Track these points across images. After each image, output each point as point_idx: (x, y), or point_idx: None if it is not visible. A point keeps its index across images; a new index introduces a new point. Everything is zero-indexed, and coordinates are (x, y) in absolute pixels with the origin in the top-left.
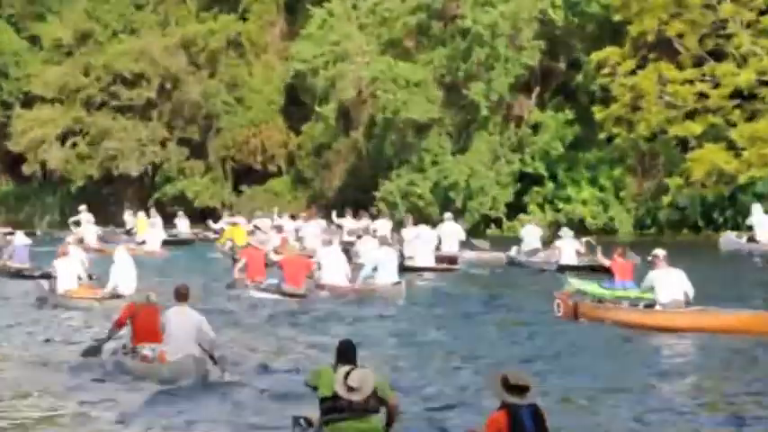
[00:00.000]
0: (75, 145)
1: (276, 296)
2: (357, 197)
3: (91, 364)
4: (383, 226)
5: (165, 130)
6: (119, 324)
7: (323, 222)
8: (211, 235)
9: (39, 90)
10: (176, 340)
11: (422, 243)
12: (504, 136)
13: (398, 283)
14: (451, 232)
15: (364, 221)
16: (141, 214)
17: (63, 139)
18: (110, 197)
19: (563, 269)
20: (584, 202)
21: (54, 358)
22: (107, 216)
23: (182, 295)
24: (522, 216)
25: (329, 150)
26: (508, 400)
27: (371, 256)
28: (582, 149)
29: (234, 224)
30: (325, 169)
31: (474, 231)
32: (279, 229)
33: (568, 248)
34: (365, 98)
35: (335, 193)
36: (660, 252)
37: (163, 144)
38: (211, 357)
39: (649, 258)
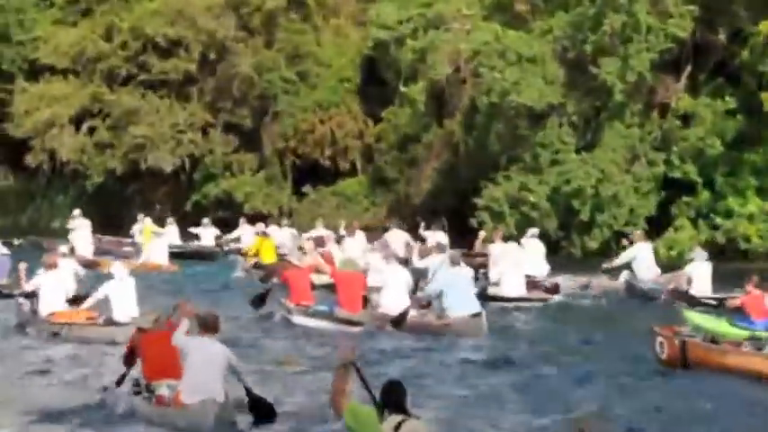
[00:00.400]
0: (92, 130)
1: (326, 324)
2: (452, 204)
3: (94, 406)
4: (396, 237)
5: (208, 113)
6: (128, 361)
7: (403, 236)
8: (240, 246)
9: (48, 58)
10: (196, 378)
11: (512, 265)
12: (645, 129)
13: (478, 314)
14: (536, 252)
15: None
16: (148, 221)
17: (78, 122)
18: (135, 197)
19: (693, 301)
20: (749, 218)
21: (39, 400)
22: (131, 221)
23: (209, 326)
24: (670, 234)
25: (417, 144)
26: None
27: (440, 276)
28: (747, 149)
29: (263, 234)
30: (412, 168)
31: (604, 252)
32: (318, 241)
33: (702, 275)
34: (464, 77)
35: (425, 198)
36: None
37: (204, 131)
38: (248, 392)
39: None
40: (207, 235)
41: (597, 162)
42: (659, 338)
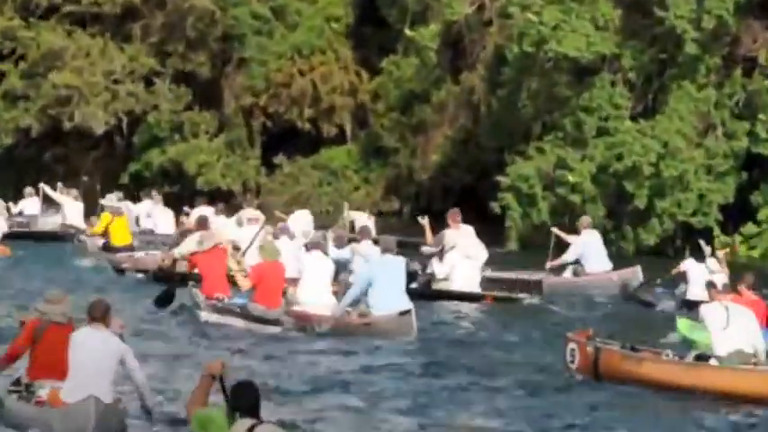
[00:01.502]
0: (1, 77)
1: (238, 322)
2: (467, 182)
3: None
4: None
5: (154, 57)
6: (11, 355)
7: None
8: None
9: None
10: (78, 374)
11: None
12: (724, 91)
13: (407, 312)
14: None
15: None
16: None
17: None
18: (56, 165)
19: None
20: None
21: None
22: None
23: (97, 314)
24: (751, 228)
25: (425, 104)
26: None
27: (363, 267)
28: None
29: (114, 211)
30: (418, 135)
31: (662, 250)
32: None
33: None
34: (488, 18)
35: (433, 174)
36: (719, 278)
37: (148, 81)
38: (143, 407)
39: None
40: (31, 205)
41: (659, 133)
42: (571, 345)
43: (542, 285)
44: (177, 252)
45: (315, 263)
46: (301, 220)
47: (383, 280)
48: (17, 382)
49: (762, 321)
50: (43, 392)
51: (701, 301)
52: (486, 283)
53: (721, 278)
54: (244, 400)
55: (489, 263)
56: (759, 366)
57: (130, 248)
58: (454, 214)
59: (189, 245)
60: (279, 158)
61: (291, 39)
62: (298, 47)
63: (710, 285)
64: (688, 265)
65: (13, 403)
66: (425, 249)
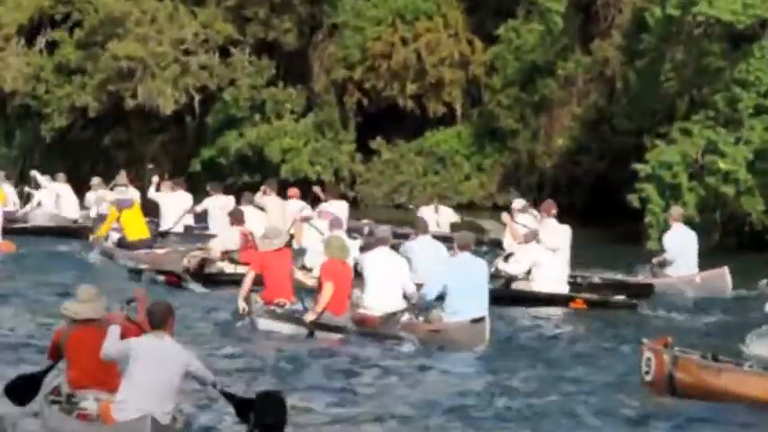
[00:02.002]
0: (52, 47)
1: (298, 329)
2: (599, 171)
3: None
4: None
5: (231, 24)
6: (51, 356)
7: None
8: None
9: None
10: (134, 388)
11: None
12: None
13: (480, 320)
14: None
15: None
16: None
17: (31, 34)
18: (116, 151)
19: None
20: None
21: None
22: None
23: (158, 319)
24: None
25: (550, 78)
26: None
27: (436, 270)
28: None
29: (118, 205)
30: (541, 114)
31: None
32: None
33: None
34: None
35: (558, 161)
36: None
37: (224, 52)
38: (224, 394)
39: None
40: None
41: None
42: (647, 354)
43: (652, 289)
44: (213, 250)
45: (383, 260)
46: (338, 210)
47: (457, 282)
48: (57, 391)
49: None
50: (87, 404)
51: None
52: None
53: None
54: (269, 417)
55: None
56: None
57: (149, 245)
58: (549, 206)
59: (227, 242)
60: (377, 143)
61: (392, 1)
62: (399, 11)
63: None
64: None
65: (55, 415)
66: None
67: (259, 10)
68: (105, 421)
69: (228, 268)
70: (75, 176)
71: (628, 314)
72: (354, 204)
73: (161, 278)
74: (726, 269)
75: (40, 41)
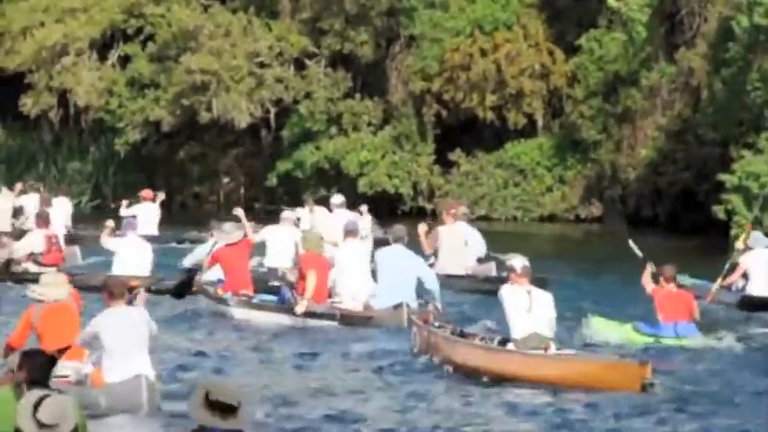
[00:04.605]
0: (125, 61)
1: (287, 318)
2: (685, 182)
3: None
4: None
5: (306, 36)
6: (9, 345)
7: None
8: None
9: None
10: (116, 353)
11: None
12: None
13: (399, 306)
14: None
15: None
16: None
17: (103, 47)
18: (191, 165)
19: (750, 304)
20: None
21: None
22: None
23: (117, 292)
24: None
25: (633, 88)
26: (205, 423)
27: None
28: None
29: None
30: (624, 125)
31: None
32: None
33: (761, 269)
34: None
35: (642, 172)
36: (520, 262)
37: (300, 64)
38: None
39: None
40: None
41: None
42: (413, 329)
43: None
44: (17, 251)
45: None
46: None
47: (387, 272)
48: None
49: (687, 314)
50: (66, 372)
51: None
52: None
53: (520, 262)
54: (31, 368)
55: None
56: (549, 352)
57: None
58: (450, 206)
59: (31, 244)
60: (456, 155)
61: (471, 12)
62: (478, 21)
63: (511, 269)
64: None
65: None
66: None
67: (335, 22)
68: (96, 385)
69: (33, 268)
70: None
71: None
72: (433, 217)
73: None
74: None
75: (113, 55)
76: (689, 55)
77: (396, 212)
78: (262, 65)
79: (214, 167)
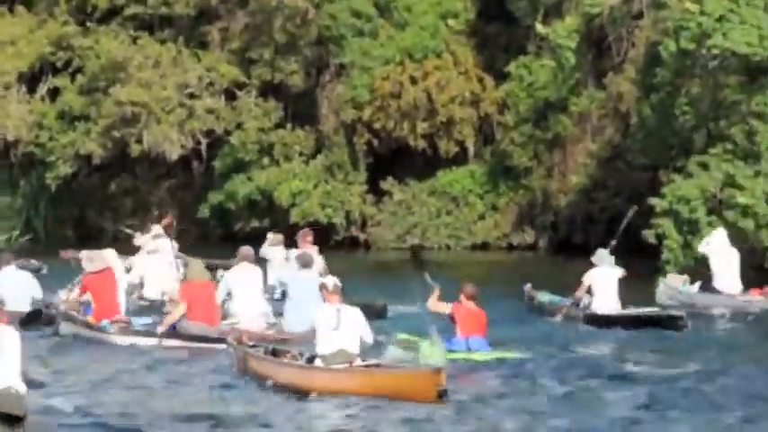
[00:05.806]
0: (55, 93)
1: (176, 343)
2: (616, 208)
3: None
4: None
5: (236, 66)
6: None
7: None
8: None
9: None
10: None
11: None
12: None
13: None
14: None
15: None
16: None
17: (32, 80)
18: (123, 198)
19: (593, 321)
20: None
21: None
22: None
23: None
24: None
25: (563, 114)
26: None
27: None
28: None
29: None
30: (555, 151)
31: None
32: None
33: (605, 286)
34: (638, 9)
35: (573, 198)
36: (331, 281)
37: (230, 95)
38: None
39: None
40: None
41: None
42: (230, 349)
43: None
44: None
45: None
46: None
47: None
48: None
49: (482, 330)
50: None
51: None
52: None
53: (331, 281)
54: None
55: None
56: (353, 365)
57: None
58: (305, 234)
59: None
60: (388, 183)
61: (400, 40)
62: (407, 49)
63: (323, 287)
64: None
65: None
66: None
67: (264, 51)
68: None
69: None
70: (82, 225)
71: None
72: (366, 247)
73: None
74: None
75: (42, 88)
76: (617, 80)
77: (329, 242)
78: (192, 96)
79: (146, 200)
